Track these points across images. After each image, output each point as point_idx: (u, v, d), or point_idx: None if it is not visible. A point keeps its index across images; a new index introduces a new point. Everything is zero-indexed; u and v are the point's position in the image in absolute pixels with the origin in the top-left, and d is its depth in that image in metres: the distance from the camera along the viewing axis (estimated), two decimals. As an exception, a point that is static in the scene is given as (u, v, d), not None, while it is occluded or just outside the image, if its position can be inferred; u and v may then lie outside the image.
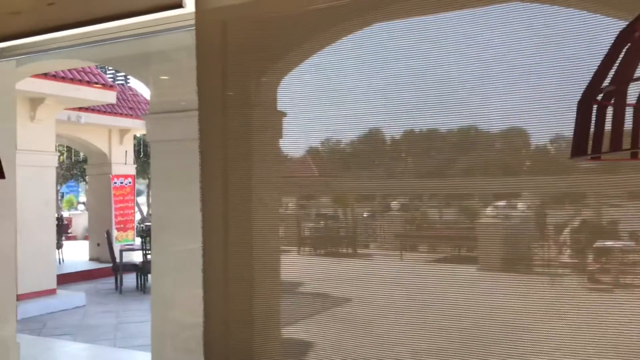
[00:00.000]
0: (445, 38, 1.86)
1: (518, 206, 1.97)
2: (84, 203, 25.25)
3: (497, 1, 1.77)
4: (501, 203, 1.96)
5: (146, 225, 13.59)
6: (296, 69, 2.17)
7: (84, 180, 22.42)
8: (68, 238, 17.12)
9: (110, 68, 11.78)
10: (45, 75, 8.23)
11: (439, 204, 2.14)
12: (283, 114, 2.21)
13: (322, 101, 2.09)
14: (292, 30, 2.13)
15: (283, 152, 2.23)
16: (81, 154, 19.30)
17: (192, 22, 2.24)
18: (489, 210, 1.94)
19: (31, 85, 7.70)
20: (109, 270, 11.27)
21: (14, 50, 2.83)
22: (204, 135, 2.15)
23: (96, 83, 9.43)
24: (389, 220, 2.16)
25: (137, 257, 11.25)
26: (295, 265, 2.28)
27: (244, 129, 2.18)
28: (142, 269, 10.35)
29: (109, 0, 2.27)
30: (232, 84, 2.17)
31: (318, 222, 2.37)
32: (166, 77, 4.21)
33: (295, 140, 2.18)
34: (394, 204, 2.16)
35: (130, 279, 10.76)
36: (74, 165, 22.10)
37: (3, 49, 2.85)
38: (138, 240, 12.73)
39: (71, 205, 25.05)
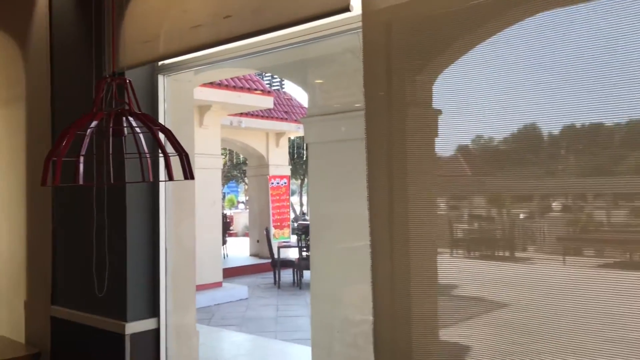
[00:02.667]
0: (610, 25, 1.70)
1: None
2: (243, 202, 26.93)
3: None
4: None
5: (300, 224, 14.12)
6: (452, 66, 2.12)
7: (244, 181, 23.90)
8: (230, 235, 18.34)
9: (267, 74, 12.43)
10: (211, 84, 8.91)
11: (605, 204, 1.96)
12: (439, 112, 2.17)
13: (477, 97, 2.02)
14: (450, 27, 2.08)
15: (438, 151, 2.19)
16: (241, 157, 20.58)
17: (357, 24, 2.28)
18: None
19: (200, 94, 8.38)
20: (268, 265, 11.88)
21: (194, 62, 3.09)
22: (370, 135, 2.18)
23: (255, 89, 10.01)
24: (549, 222, 2.03)
25: (293, 253, 11.75)
26: (450, 267, 2.23)
27: (402, 128, 2.17)
28: (298, 266, 10.78)
29: (279, 11, 2.39)
30: (393, 83, 2.18)
31: (472, 224, 2.29)
32: (322, 81, 4.34)
33: (450, 139, 2.13)
34: (555, 205, 2.02)
35: (287, 275, 11.27)
36: (235, 167, 23.63)
37: (184, 61, 3.12)
38: (294, 238, 13.29)
39: (232, 205, 26.85)
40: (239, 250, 15.25)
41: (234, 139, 13.35)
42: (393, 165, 2.18)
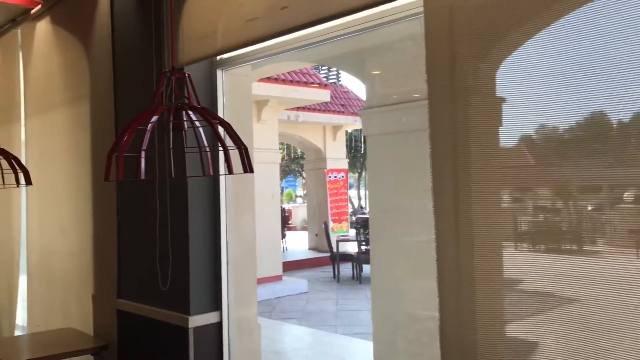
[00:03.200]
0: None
1: None
2: (301, 196, 27.09)
3: None
4: None
5: (358, 217, 14.06)
6: (516, 52, 2.01)
7: (301, 175, 24.05)
8: (289, 229, 18.50)
9: (323, 67, 12.41)
10: (268, 79, 8.96)
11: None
12: (502, 100, 2.06)
13: (542, 84, 1.90)
14: (514, 11, 1.97)
15: (502, 141, 2.09)
16: (298, 151, 20.69)
17: (418, 10, 2.20)
18: None
19: (258, 89, 8.44)
20: (327, 259, 11.89)
21: (251, 56, 3.07)
22: (434, 125, 2.09)
23: (312, 83, 10.00)
24: (620, 213, 1.89)
25: (352, 247, 11.71)
26: (516, 261, 2.12)
27: (466, 118, 2.08)
28: (358, 259, 10.73)
29: (337, -2, 2.33)
30: (457, 70, 2.09)
31: (538, 216, 2.17)
32: (380, 71, 4.25)
33: (514, 128, 2.03)
34: (627, 196, 1.88)
35: (346, 268, 11.24)
36: (292, 161, 23.79)
37: (241, 55, 3.11)
38: (352, 232, 13.24)
39: (290, 199, 27.07)
40: (298, 244, 15.34)
41: (292, 133, 13.41)
42: (458, 156, 2.09)
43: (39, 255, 4.64)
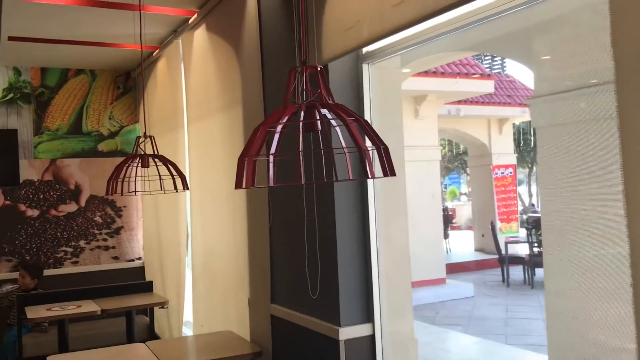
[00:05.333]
0: None
1: None
2: (465, 194, 26.07)
3: None
4: None
5: (529, 217, 13.06)
6: None
7: (465, 171, 23.12)
8: (452, 228, 17.83)
9: (486, 56, 11.68)
10: (425, 73, 8.57)
11: None
12: None
13: None
14: None
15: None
16: (461, 146, 19.88)
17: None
18: None
19: (414, 84, 8.11)
20: (494, 261, 11.17)
21: (398, 45, 2.80)
22: (624, 111, 1.65)
23: (474, 74, 9.40)
24: None
25: (522, 249, 10.85)
26: None
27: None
28: (529, 262, 9.90)
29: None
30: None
31: None
32: (550, 55, 3.72)
33: None
34: None
35: (516, 272, 10.44)
36: (455, 158, 22.94)
37: (388, 45, 2.85)
38: (522, 232, 12.31)
39: (454, 197, 26.15)
40: (463, 245, 14.67)
41: (453, 129, 12.82)
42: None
43: (202, 257, 4.80)
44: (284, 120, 1.70)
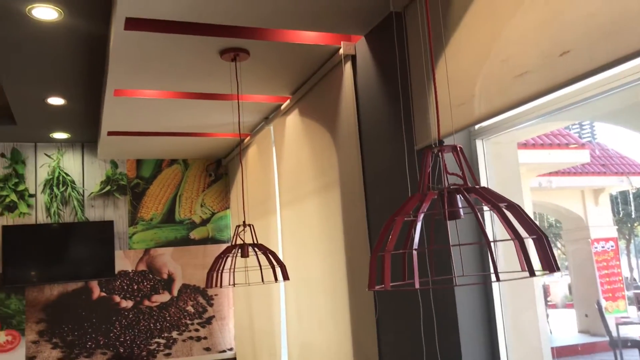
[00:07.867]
0: None
1: None
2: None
3: None
4: None
5: (635, 293, 11.97)
6: None
7: (556, 245, 21.85)
8: (549, 307, 16.64)
9: (574, 125, 11.19)
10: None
11: None
12: None
13: None
14: None
15: None
16: (551, 219, 18.90)
17: None
18: None
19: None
20: (604, 344, 10.16)
21: (516, 120, 2.58)
22: None
23: (567, 144, 8.95)
24: None
25: (635, 331, 9.83)
26: None
27: None
28: (646, 346, 8.92)
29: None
30: None
31: None
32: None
33: None
34: None
35: (631, 357, 9.41)
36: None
37: (503, 120, 2.64)
38: (631, 311, 11.25)
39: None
40: (564, 326, 13.55)
41: (544, 201, 12.17)
42: None
43: (299, 349, 4.54)
44: (425, 209, 1.49)
